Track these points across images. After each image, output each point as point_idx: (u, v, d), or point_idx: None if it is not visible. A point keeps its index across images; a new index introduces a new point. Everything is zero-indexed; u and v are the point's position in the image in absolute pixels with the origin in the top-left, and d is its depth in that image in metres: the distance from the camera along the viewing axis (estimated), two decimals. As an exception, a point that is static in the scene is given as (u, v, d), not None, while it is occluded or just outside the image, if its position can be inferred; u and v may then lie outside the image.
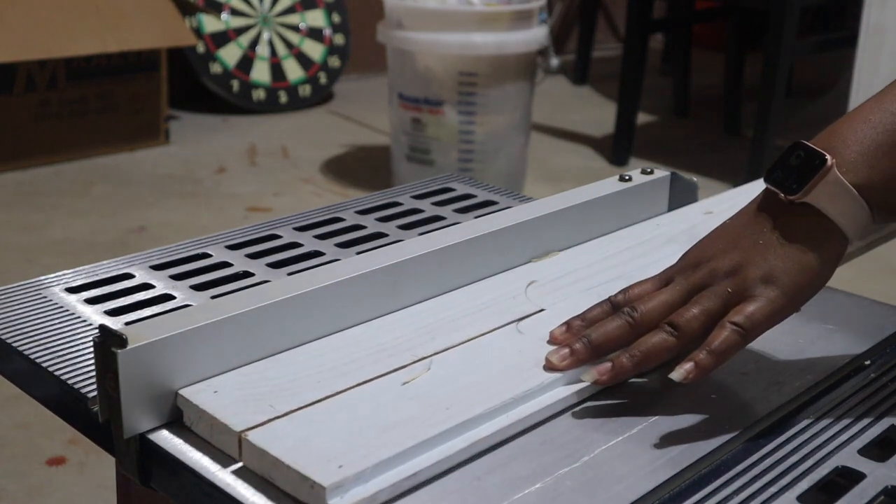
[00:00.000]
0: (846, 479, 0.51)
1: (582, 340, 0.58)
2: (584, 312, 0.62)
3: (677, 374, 0.54)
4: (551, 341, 0.61)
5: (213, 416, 0.52)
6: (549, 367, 0.57)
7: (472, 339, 0.62)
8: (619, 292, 0.61)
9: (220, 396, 0.53)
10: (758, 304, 0.55)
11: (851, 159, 0.55)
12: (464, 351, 0.60)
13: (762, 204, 0.58)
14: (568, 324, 0.61)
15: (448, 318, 0.64)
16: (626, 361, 0.56)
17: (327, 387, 0.55)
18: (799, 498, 0.49)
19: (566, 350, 0.58)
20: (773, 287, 0.55)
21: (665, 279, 0.60)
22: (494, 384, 0.56)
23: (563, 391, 0.56)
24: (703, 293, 0.57)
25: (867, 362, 0.63)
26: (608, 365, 0.57)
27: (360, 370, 0.57)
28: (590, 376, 0.57)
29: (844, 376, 0.61)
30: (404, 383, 0.56)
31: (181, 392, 0.54)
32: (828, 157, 0.55)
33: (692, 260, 0.60)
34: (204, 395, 0.54)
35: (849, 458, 0.53)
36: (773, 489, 0.50)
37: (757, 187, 0.86)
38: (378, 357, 0.59)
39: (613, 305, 0.61)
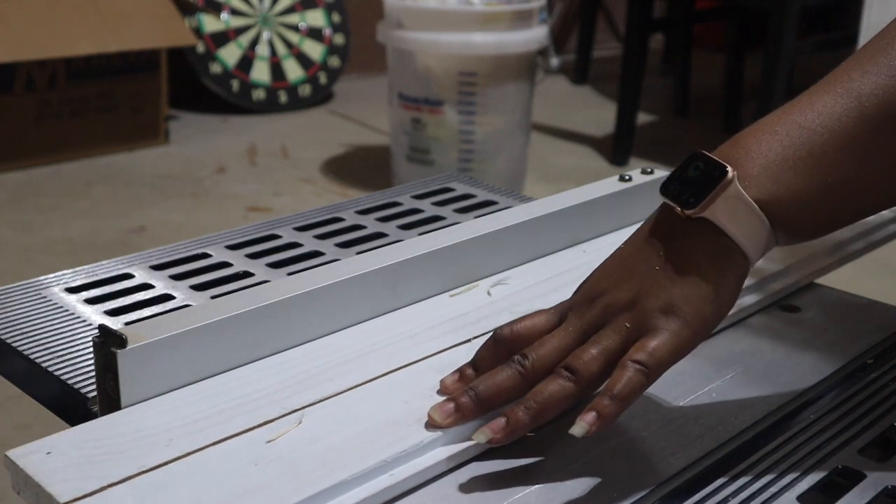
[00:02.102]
0: (846, 479, 0.51)
1: (468, 394, 0.52)
2: (473, 357, 0.56)
3: (578, 429, 0.48)
4: (441, 391, 0.55)
5: (38, 484, 0.45)
6: (432, 423, 0.51)
7: (356, 385, 0.56)
8: (506, 326, 0.55)
9: (53, 459, 0.47)
10: (660, 339, 0.50)
11: (755, 173, 0.51)
12: (343, 401, 0.54)
13: (657, 222, 0.53)
14: (460, 371, 0.56)
15: (336, 360, 0.58)
16: (523, 415, 0.50)
17: (177, 446, 0.49)
18: (799, 498, 0.49)
19: (451, 405, 0.52)
20: (675, 318, 0.50)
21: (558, 314, 0.55)
22: (368, 443, 0.50)
23: (443, 452, 0.50)
24: (601, 332, 0.52)
25: (869, 361, 0.63)
26: (502, 421, 0.50)
27: (220, 425, 0.51)
28: (483, 436, 0.50)
29: (844, 376, 0.61)
30: (268, 441, 0.50)
31: (8, 454, 0.47)
32: (728, 168, 0.50)
33: (586, 293, 0.54)
34: (34, 458, 0.47)
35: (849, 458, 0.53)
36: (773, 489, 0.50)
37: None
38: (245, 409, 0.53)
39: (498, 342, 0.55)
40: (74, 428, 0.50)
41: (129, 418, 0.51)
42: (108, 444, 0.49)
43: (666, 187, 0.53)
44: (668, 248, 0.52)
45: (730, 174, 0.50)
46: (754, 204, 0.50)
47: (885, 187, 0.52)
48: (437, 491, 0.49)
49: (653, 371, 0.50)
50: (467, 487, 0.49)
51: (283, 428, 0.51)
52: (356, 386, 0.56)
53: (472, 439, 0.51)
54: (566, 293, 0.57)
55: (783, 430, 0.55)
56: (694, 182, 0.51)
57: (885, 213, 0.81)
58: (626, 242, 0.55)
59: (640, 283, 0.52)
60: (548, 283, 0.70)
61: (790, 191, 0.50)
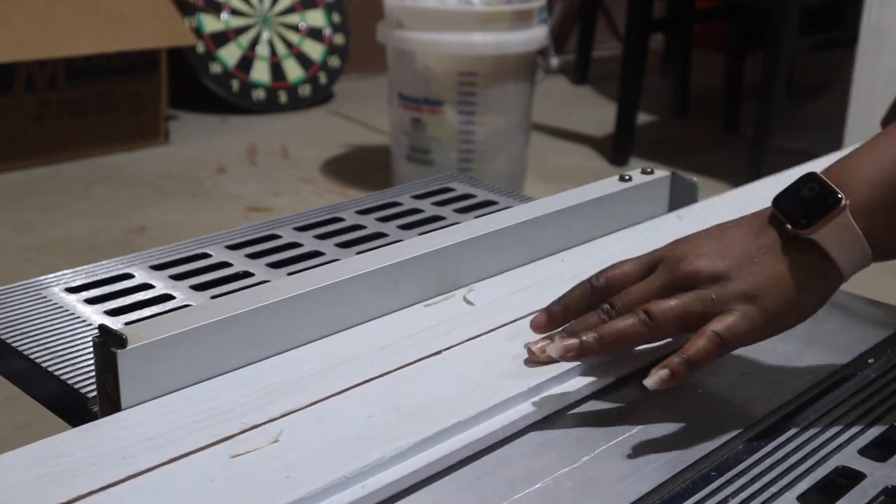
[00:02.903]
0: (846, 479, 0.51)
1: (561, 335, 0.57)
2: (563, 296, 0.60)
3: (651, 382, 0.53)
4: (535, 326, 0.60)
5: None
6: (532, 358, 0.57)
7: (325, 398, 0.55)
8: (600, 274, 0.59)
9: (3, 477, 0.46)
10: (738, 318, 0.54)
11: (863, 202, 0.54)
12: (312, 413, 0.53)
13: (766, 225, 0.56)
14: (548, 310, 0.60)
15: (303, 373, 0.57)
16: (594, 343, 0.55)
17: (132, 464, 0.48)
18: (799, 498, 0.49)
19: (574, 341, 0.56)
20: (754, 306, 0.54)
21: (648, 265, 0.58)
22: (323, 462, 0.49)
23: (395, 472, 0.49)
24: (687, 293, 0.55)
25: (870, 360, 0.63)
26: (575, 342, 0.55)
27: (181, 440, 0.50)
28: (556, 350, 0.55)
29: (844, 376, 0.61)
30: (233, 456, 0.49)
31: None
32: (842, 197, 0.53)
33: (680, 252, 0.57)
34: None
35: (849, 458, 0.53)
36: (773, 489, 0.50)
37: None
38: (208, 423, 0.52)
39: (594, 289, 0.59)
40: (34, 445, 0.49)
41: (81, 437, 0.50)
42: (64, 460, 0.48)
43: (779, 202, 0.56)
44: (770, 248, 0.55)
45: (843, 203, 0.53)
46: (860, 233, 0.54)
47: None
48: (436, 492, 0.49)
49: (727, 345, 0.54)
50: (467, 488, 0.49)
51: (253, 443, 0.50)
52: (343, 391, 0.56)
53: (546, 352, 0.56)
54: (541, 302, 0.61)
55: (783, 430, 0.55)
56: (807, 203, 0.54)
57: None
58: (731, 224, 0.58)
59: (734, 263, 0.55)
60: (519, 294, 0.68)
61: (893, 220, 0.54)
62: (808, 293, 0.55)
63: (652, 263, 0.58)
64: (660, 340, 0.56)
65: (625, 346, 0.56)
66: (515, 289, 0.69)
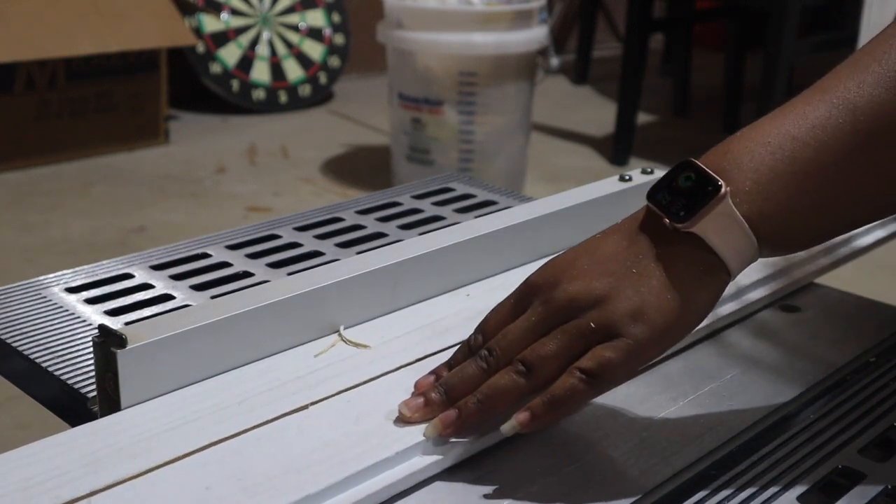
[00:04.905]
0: (846, 479, 0.51)
1: (438, 389, 0.52)
2: (450, 358, 0.55)
3: (507, 427, 0.49)
4: (414, 390, 0.54)
5: None
6: (402, 419, 0.52)
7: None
8: (477, 329, 0.55)
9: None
10: (617, 348, 0.49)
11: (745, 188, 0.49)
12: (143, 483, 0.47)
13: (643, 225, 0.51)
14: (435, 372, 0.55)
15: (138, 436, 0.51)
16: (473, 406, 0.50)
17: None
18: (799, 498, 0.49)
19: (420, 400, 0.52)
20: (642, 325, 0.49)
21: (520, 299, 0.54)
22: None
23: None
24: (565, 328, 0.50)
25: (872, 359, 0.63)
26: (452, 414, 0.51)
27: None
28: (433, 429, 0.50)
29: (844, 376, 0.61)
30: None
31: None
32: (722, 184, 0.48)
33: (554, 276, 0.52)
34: None
35: (849, 458, 0.53)
36: (773, 489, 0.50)
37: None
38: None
39: (471, 349, 0.54)
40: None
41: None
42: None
43: (654, 195, 0.51)
44: (649, 253, 0.50)
45: (722, 190, 0.48)
46: (744, 221, 0.49)
47: (877, 201, 0.51)
48: (436, 491, 0.49)
49: (600, 383, 0.49)
50: (467, 488, 0.49)
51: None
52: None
53: (423, 435, 0.50)
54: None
55: (783, 430, 0.55)
56: (684, 194, 0.49)
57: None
58: (603, 235, 0.53)
59: (613, 281, 0.50)
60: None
61: (780, 207, 0.49)
62: (696, 295, 0.49)
63: (524, 295, 0.53)
64: (546, 387, 0.50)
65: (506, 405, 0.50)
66: (409, 329, 0.63)
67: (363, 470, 0.48)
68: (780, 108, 0.51)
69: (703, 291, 0.50)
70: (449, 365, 0.55)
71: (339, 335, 0.61)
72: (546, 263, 0.54)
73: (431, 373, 0.55)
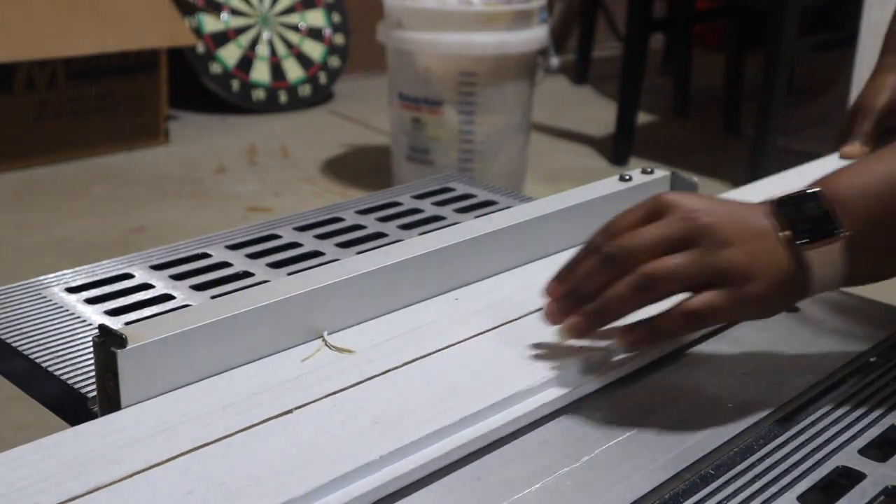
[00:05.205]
0: (846, 479, 0.51)
1: (569, 295, 0.57)
2: (573, 257, 0.59)
3: (619, 342, 0.57)
4: (546, 294, 0.59)
5: None
6: (551, 323, 0.58)
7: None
8: (602, 229, 0.58)
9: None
10: (728, 301, 0.55)
11: (857, 239, 0.55)
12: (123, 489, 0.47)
13: (770, 219, 0.57)
14: (559, 277, 0.59)
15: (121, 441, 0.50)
16: (592, 313, 0.56)
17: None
18: (799, 498, 0.49)
19: (555, 305, 0.58)
20: (743, 288, 0.55)
21: (652, 209, 0.57)
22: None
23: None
24: (695, 252, 0.55)
25: (872, 359, 0.63)
26: (576, 319, 0.57)
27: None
28: (563, 334, 0.57)
29: (844, 376, 0.61)
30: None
31: None
32: (842, 232, 0.55)
33: (692, 204, 0.56)
34: None
35: (849, 458, 0.53)
36: (773, 489, 0.50)
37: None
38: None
39: (597, 247, 0.57)
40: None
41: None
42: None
43: (782, 206, 0.56)
44: (768, 241, 0.55)
45: (841, 235, 0.55)
46: (843, 268, 0.55)
47: None
48: (436, 491, 0.49)
49: (702, 324, 0.57)
50: (467, 488, 0.49)
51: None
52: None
53: (558, 337, 0.57)
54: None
55: (783, 430, 0.55)
56: (810, 221, 0.55)
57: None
58: (743, 205, 0.58)
59: (741, 238, 0.55)
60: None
61: (875, 255, 0.56)
62: (781, 295, 0.56)
63: (657, 206, 0.57)
64: (660, 301, 0.56)
65: (624, 313, 0.57)
66: (397, 332, 0.62)
67: (347, 473, 0.47)
68: (889, 148, 0.58)
69: (786, 296, 0.57)
70: (572, 264, 0.59)
71: (324, 340, 0.61)
72: (679, 192, 0.58)
73: (555, 277, 0.59)
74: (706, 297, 0.55)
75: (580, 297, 0.57)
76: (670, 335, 0.57)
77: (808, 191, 0.56)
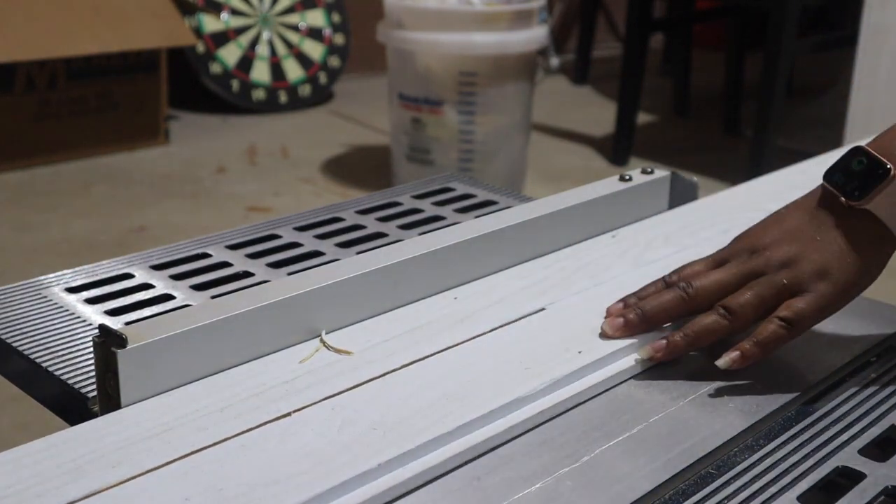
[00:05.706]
0: (846, 479, 0.51)
1: (636, 311, 0.61)
2: (638, 290, 0.64)
3: (723, 362, 0.58)
4: (607, 315, 0.63)
5: None
6: (604, 335, 0.61)
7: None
8: (673, 273, 0.63)
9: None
10: (808, 300, 0.58)
11: None
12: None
13: (821, 202, 0.60)
14: (624, 300, 0.63)
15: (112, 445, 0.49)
16: (680, 340, 0.59)
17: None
18: (799, 498, 0.49)
19: (620, 320, 0.61)
20: (826, 282, 0.58)
21: (718, 261, 0.62)
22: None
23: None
24: (759, 280, 0.59)
25: (872, 359, 0.63)
26: (663, 342, 0.59)
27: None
28: (645, 352, 0.60)
29: (844, 376, 0.61)
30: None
31: None
32: (891, 167, 0.56)
33: (747, 245, 0.61)
34: None
35: (849, 458, 0.53)
36: (773, 489, 0.50)
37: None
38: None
39: (667, 284, 0.63)
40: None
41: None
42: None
43: (830, 176, 0.59)
44: (829, 224, 0.59)
45: (892, 172, 0.56)
46: None
47: None
48: (436, 491, 0.49)
49: (796, 328, 0.58)
50: (467, 488, 0.49)
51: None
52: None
53: (638, 356, 0.59)
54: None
55: (783, 430, 0.55)
56: (858, 175, 0.58)
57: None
58: (786, 210, 0.62)
59: (800, 246, 0.59)
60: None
61: None
62: (871, 259, 0.58)
63: (721, 260, 0.62)
64: (740, 332, 0.59)
65: (708, 341, 0.60)
66: (395, 333, 0.62)
67: (345, 482, 0.47)
68: None
69: (876, 257, 0.58)
70: (638, 295, 0.63)
71: (322, 341, 0.61)
72: (737, 236, 0.63)
73: (619, 301, 0.63)
74: (789, 304, 0.58)
75: (650, 318, 0.61)
76: (773, 345, 0.58)
77: (848, 151, 0.59)
